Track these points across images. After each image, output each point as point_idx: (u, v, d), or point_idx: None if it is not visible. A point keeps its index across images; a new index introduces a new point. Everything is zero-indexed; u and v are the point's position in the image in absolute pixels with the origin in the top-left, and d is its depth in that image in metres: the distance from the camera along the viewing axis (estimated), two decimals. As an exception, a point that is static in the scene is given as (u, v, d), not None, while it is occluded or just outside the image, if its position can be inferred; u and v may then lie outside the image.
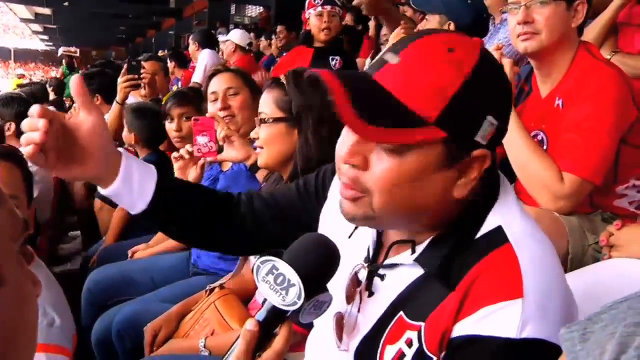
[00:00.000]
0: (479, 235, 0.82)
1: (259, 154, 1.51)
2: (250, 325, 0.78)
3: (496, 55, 1.50)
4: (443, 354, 0.79)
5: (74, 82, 0.95)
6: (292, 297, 0.76)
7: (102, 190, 0.99)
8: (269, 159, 1.50)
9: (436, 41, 0.79)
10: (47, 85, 7.77)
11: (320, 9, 3.25)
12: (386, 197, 0.80)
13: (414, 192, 0.79)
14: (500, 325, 0.75)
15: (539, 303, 0.76)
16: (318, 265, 0.80)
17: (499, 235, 0.81)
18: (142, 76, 3.44)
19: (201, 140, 1.80)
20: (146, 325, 1.66)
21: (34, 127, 0.88)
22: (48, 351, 1.29)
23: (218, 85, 2.05)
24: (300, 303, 0.77)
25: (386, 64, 0.79)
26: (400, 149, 0.77)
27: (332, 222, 1.02)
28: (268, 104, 1.49)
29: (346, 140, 0.82)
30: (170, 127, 2.53)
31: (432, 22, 2.44)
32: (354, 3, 3.36)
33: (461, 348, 0.77)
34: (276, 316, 0.79)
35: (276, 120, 1.47)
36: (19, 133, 2.84)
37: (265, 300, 0.79)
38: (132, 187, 0.98)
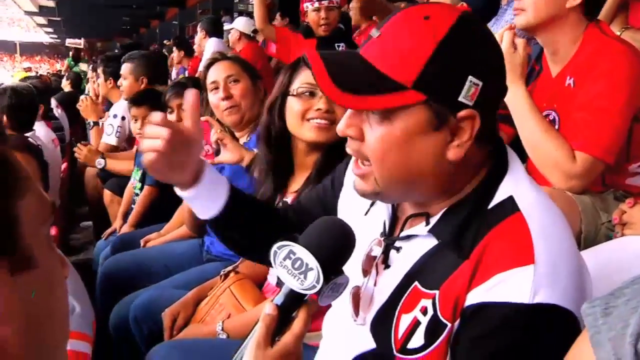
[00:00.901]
0: (490, 205, 0.84)
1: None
2: (269, 309, 0.79)
3: (508, 35, 1.49)
4: (457, 322, 0.81)
5: (190, 96, 1.00)
6: (310, 280, 0.77)
7: (179, 192, 1.04)
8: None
9: (413, 11, 0.83)
10: (65, 78, 7.60)
11: (317, 4, 3.26)
12: (382, 165, 0.84)
13: (406, 157, 0.83)
14: (512, 291, 0.77)
15: (550, 268, 0.78)
16: (334, 248, 0.81)
17: (510, 205, 0.83)
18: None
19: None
20: (162, 311, 1.68)
21: (156, 134, 0.94)
22: (70, 337, 1.31)
23: (217, 73, 2.02)
24: (318, 286, 0.77)
25: (370, 39, 0.84)
26: (387, 116, 0.81)
27: (349, 202, 1.05)
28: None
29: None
30: (170, 118, 2.53)
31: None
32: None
33: (474, 315, 0.79)
34: (294, 300, 0.80)
35: None
36: (10, 126, 2.86)
37: (283, 284, 0.80)
38: (210, 194, 1.04)
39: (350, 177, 1.01)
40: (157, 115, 0.95)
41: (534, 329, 0.77)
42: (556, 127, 1.55)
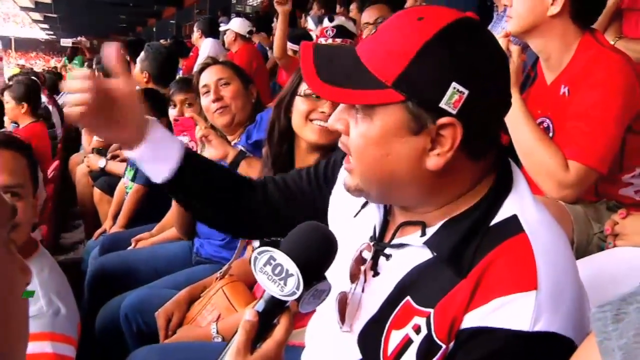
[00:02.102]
0: (493, 222, 0.82)
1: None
2: (249, 315, 0.78)
3: (503, 42, 1.49)
4: (452, 343, 0.78)
5: (111, 49, 0.97)
6: (290, 287, 0.76)
7: (127, 153, 1.02)
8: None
9: (410, 11, 0.82)
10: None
11: (330, 40, 3.27)
12: (361, 162, 0.84)
13: (382, 156, 0.82)
14: (513, 317, 0.75)
15: (553, 296, 0.76)
16: (315, 254, 0.80)
17: (513, 224, 0.81)
18: None
19: (182, 139, 1.80)
20: (153, 310, 1.67)
21: (78, 88, 0.93)
22: (54, 340, 1.29)
23: (208, 77, 2.08)
24: (299, 293, 0.77)
25: (368, 36, 0.86)
26: (369, 114, 0.80)
27: (339, 202, 1.03)
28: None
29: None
30: (173, 112, 2.54)
31: None
32: None
33: (472, 339, 0.77)
34: (275, 306, 0.79)
35: None
36: None
37: (264, 290, 0.79)
38: (157, 153, 1.01)
39: (343, 173, 1.00)
40: (80, 71, 0.95)
41: (532, 357, 0.75)
42: (550, 134, 1.54)
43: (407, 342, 0.82)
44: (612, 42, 1.87)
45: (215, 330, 1.49)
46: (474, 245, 0.80)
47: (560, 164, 1.42)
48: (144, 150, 1.01)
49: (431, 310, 0.80)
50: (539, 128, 1.50)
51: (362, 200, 0.95)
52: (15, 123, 4.24)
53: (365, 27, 3.33)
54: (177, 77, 4.58)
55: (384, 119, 0.80)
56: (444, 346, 0.79)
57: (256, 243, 1.57)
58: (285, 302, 0.79)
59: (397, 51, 0.77)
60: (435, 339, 0.79)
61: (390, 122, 0.79)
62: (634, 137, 1.46)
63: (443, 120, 0.77)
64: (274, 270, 0.77)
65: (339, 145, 0.89)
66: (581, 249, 1.42)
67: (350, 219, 0.96)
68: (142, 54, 3.45)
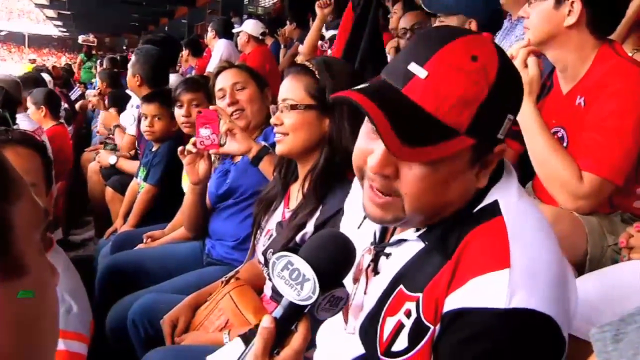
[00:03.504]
0: (477, 208, 0.86)
1: (281, 140, 1.51)
2: (266, 322, 0.79)
3: (523, 52, 1.49)
4: (438, 325, 0.81)
5: None
6: (307, 291, 0.77)
7: None
8: (293, 145, 1.49)
9: (459, 50, 0.80)
10: (98, 77, 7.06)
11: (329, 52, 3.33)
12: (419, 201, 0.84)
13: (444, 192, 0.84)
14: (488, 296, 0.77)
15: (527, 273, 0.77)
16: (333, 260, 0.81)
17: (493, 208, 0.85)
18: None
19: (204, 132, 1.81)
20: (160, 315, 1.67)
21: None
22: (66, 338, 1.30)
23: (224, 81, 2.08)
24: (314, 297, 0.77)
25: (413, 76, 0.80)
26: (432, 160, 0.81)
27: (346, 221, 1.06)
28: (296, 90, 1.48)
29: (370, 147, 0.85)
30: (179, 112, 2.54)
31: (448, 22, 2.34)
32: None
33: (453, 321, 0.79)
34: (292, 312, 0.80)
35: (308, 107, 1.46)
36: None
37: (278, 297, 0.80)
38: None
39: (352, 203, 1.05)
40: None
41: (512, 334, 0.77)
42: (564, 144, 1.54)
43: (399, 327, 0.85)
44: (630, 54, 1.86)
45: (228, 340, 1.48)
46: (458, 230, 0.84)
47: (574, 175, 1.42)
48: None
49: (420, 295, 0.84)
50: (554, 138, 1.50)
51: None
52: None
53: (402, 32, 3.37)
54: (189, 76, 4.61)
55: (451, 164, 0.82)
56: (432, 327, 0.81)
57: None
58: (303, 308, 0.79)
59: (466, 99, 0.79)
60: (424, 320, 0.82)
61: (457, 164, 0.83)
62: (650, 150, 1.45)
63: (498, 148, 0.84)
64: (291, 274, 0.78)
65: (377, 186, 0.85)
66: (595, 261, 1.42)
67: (354, 231, 0.99)
68: (133, 57, 3.43)
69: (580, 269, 1.40)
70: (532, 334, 0.76)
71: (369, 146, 0.85)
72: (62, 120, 4.36)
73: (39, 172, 1.40)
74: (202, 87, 2.57)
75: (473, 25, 2.25)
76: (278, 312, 0.80)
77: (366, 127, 0.88)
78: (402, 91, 0.81)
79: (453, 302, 0.79)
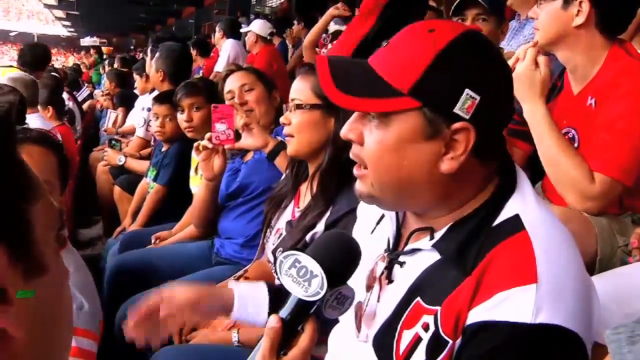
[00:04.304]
0: (496, 222, 0.84)
1: (289, 141, 1.51)
2: (273, 321, 0.79)
3: (532, 52, 1.49)
4: (459, 340, 0.80)
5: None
6: (314, 287, 0.78)
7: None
8: (300, 146, 1.50)
9: (420, 24, 0.86)
10: (106, 78, 7.07)
11: (329, 46, 3.34)
12: (376, 169, 0.86)
13: (398, 162, 0.84)
14: (514, 310, 0.76)
15: (554, 288, 0.77)
16: (340, 258, 0.82)
17: (515, 223, 0.83)
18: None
19: (219, 127, 1.81)
20: (168, 315, 1.67)
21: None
22: (77, 335, 1.31)
23: (232, 83, 2.12)
24: (322, 293, 0.78)
25: (378, 49, 0.88)
26: (384, 121, 0.83)
27: (359, 226, 1.07)
28: (303, 90, 1.49)
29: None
30: (181, 117, 2.54)
31: (490, 23, 2.24)
32: None
33: (476, 334, 0.78)
34: (300, 311, 0.80)
35: (313, 106, 1.47)
36: None
37: (289, 296, 0.80)
38: (248, 312, 1.21)
39: (365, 208, 1.06)
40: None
41: (536, 350, 0.76)
42: (575, 145, 1.53)
43: (417, 340, 0.84)
44: (640, 53, 1.85)
45: (237, 340, 1.49)
46: (477, 244, 0.83)
47: (584, 175, 1.41)
48: (237, 316, 1.21)
49: (438, 308, 0.82)
50: (564, 139, 1.49)
51: (377, 216, 1.00)
52: None
53: None
54: (196, 77, 4.63)
55: (400, 126, 0.83)
56: (450, 342, 0.80)
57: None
58: (310, 305, 0.80)
59: (411, 61, 0.82)
60: (442, 334, 0.81)
61: (406, 128, 0.83)
62: (661, 150, 1.45)
63: (457, 125, 0.82)
64: (298, 272, 0.79)
65: (351, 155, 0.90)
66: (605, 262, 1.41)
67: (367, 236, 0.99)
68: (157, 53, 3.46)
69: (590, 269, 1.39)
70: (557, 350, 0.76)
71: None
72: (64, 121, 4.38)
73: (53, 171, 1.40)
74: (201, 90, 2.57)
75: (506, 29, 2.20)
76: (285, 311, 0.81)
77: None
78: (368, 61, 0.87)
79: (477, 315, 0.78)
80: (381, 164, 0.85)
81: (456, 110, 0.81)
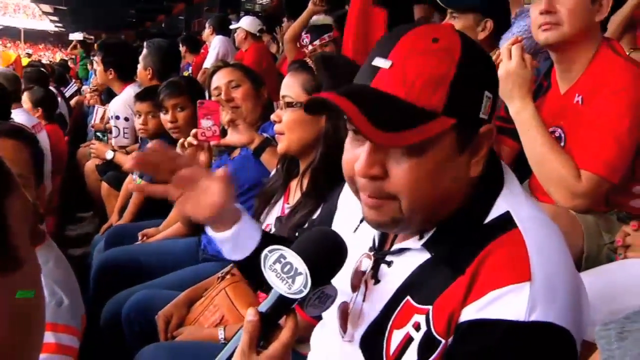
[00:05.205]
0: (487, 220, 0.83)
1: (279, 138, 1.50)
2: (250, 315, 0.78)
3: (518, 50, 1.48)
4: (451, 338, 0.79)
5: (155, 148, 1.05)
6: (298, 285, 0.77)
7: (210, 232, 1.09)
8: (290, 143, 1.48)
9: (418, 35, 0.81)
10: (93, 73, 7.08)
11: (310, 47, 3.36)
12: (414, 196, 0.81)
13: (437, 183, 0.81)
14: (508, 308, 0.76)
15: (547, 286, 0.77)
16: (325, 257, 0.81)
17: (507, 220, 0.82)
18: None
19: (205, 123, 1.80)
20: (155, 311, 1.67)
21: None
22: (56, 330, 1.29)
23: (219, 80, 2.11)
24: (305, 291, 0.77)
25: (379, 70, 0.80)
26: (417, 147, 0.78)
27: (340, 222, 1.04)
28: (294, 87, 1.47)
29: (356, 153, 0.82)
30: (165, 118, 2.52)
31: (462, 20, 2.17)
32: None
33: (469, 331, 0.78)
34: (280, 306, 0.80)
35: (304, 104, 1.45)
36: None
37: (271, 290, 0.80)
38: (237, 242, 1.07)
39: (346, 201, 1.02)
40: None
41: (530, 348, 0.76)
42: (562, 144, 1.54)
43: (408, 340, 0.83)
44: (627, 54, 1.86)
45: (223, 336, 1.48)
46: (469, 243, 0.81)
47: (572, 173, 1.42)
48: (225, 237, 1.06)
49: (430, 307, 0.82)
50: (551, 137, 1.49)
51: (360, 215, 0.95)
52: None
53: None
54: (185, 73, 4.59)
55: (436, 148, 0.79)
56: (443, 341, 0.80)
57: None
58: (292, 302, 0.79)
59: (434, 78, 0.77)
60: (435, 334, 0.80)
61: (444, 148, 0.80)
62: (647, 149, 1.46)
63: (484, 129, 0.82)
64: (283, 268, 0.78)
65: (369, 193, 0.83)
66: (591, 259, 1.42)
67: (350, 234, 0.96)
68: (144, 50, 3.42)
69: (577, 267, 1.39)
70: (549, 347, 0.76)
71: (355, 153, 0.83)
72: (54, 121, 4.33)
73: (27, 164, 1.39)
74: (185, 90, 2.55)
75: (489, 25, 2.10)
76: (264, 305, 0.80)
77: (350, 137, 0.86)
78: (370, 86, 0.80)
79: (470, 313, 0.78)
80: (419, 191, 0.80)
81: (481, 114, 0.81)
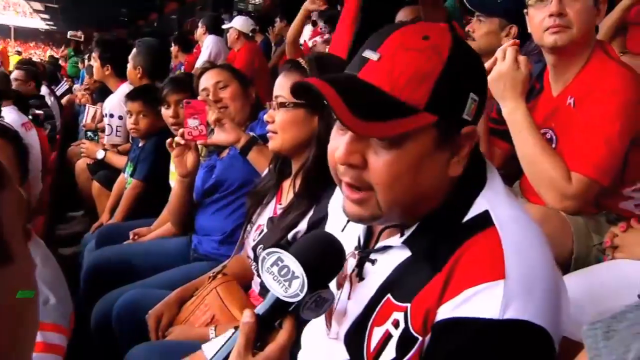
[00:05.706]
0: (465, 218, 0.84)
1: (271, 137, 1.50)
2: (247, 316, 0.79)
3: (512, 52, 1.48)
4: (428, 336, 0.80)
5: None
6: (294, 288, 0.78)
7: None
8: (283, 143, 1.49)
9: (410, 31, 0.82)
10: (85, 72, 6.99)
11: (327, 35, 3.33)
12: (391, 190, 0.81)
13: (415, 179, 0.82)
14: (482, 306, 0.76)
15: (522, 284, 0.77)
16: (322, 261, 0.81)
17: (484, 219, 0.83)
18: None
19: (192, 123, 1.81)
20: (146, 311, 1.66)
21: None
22: (43, 329, 1.28)
23: (207, 81, 2.12)
24: (302, 295, 0.78)
25: (368, 61, 0.81)
26: (396, 141, 0.79)
27: (330, 224, 1.05)
28: (287, 87, 1.47)
29: (339, 142, 0.83)
30: (167, 113, 2.52)
31: (488, 24, 2.15)
32: None
33: (445, 331, 0.78)
34: (278, 308, 0.80)
35: (297, 104, 1.46)
36: None
37: (266, 293, 0.80)
38: None
39: (335, 205, 1.03)
40: None
41: (505, 346, 0.76)
42: (553, 146, 1.55)
43: (387, 337, 0.84)
44: (618, 57, 1.88)
45: (214, 336, 1.46)
46: (447, 241, 0.82)
47: (562, 175, 1.42)
48: None
49: (408, 305, 0.82)
50: (543, 139, 1.50)
51: None
52: None
53: None
54: (178, 72, 4.57)
55: (417, 141, 0.80)
56: (420, 338, 0.80)
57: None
58: (288, 305, 0.79)
59: (421, 76, 0.78)
60: (412, 331, 0.81)
61: (423, 144, 0.80)
62: (637, 151, 1.47)
63: (466, 129, 0.82)
64: (280, 271, 0.78)
65: (348, 180, 0.83)
66: (580, 260, 1.43)
67: (338, 234, 0.97)
68: (134, 49, 3.41)
69: (566, 268, 1.41)
70: (525, 345, 0.76)
71: (338, 142, 0.83)
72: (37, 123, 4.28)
73: (10, 161, 1.40)
74: (188, 86, 2.55)
75: (513, 31, 2.07)
76: (261, 307, 0.80)
77: (335, 127, 0.86)
78: (357, 75, 0.81)
79: (446, 311, 0.78)
80: (397, 185, 0.81)
81: (464, 115, 0.82)
